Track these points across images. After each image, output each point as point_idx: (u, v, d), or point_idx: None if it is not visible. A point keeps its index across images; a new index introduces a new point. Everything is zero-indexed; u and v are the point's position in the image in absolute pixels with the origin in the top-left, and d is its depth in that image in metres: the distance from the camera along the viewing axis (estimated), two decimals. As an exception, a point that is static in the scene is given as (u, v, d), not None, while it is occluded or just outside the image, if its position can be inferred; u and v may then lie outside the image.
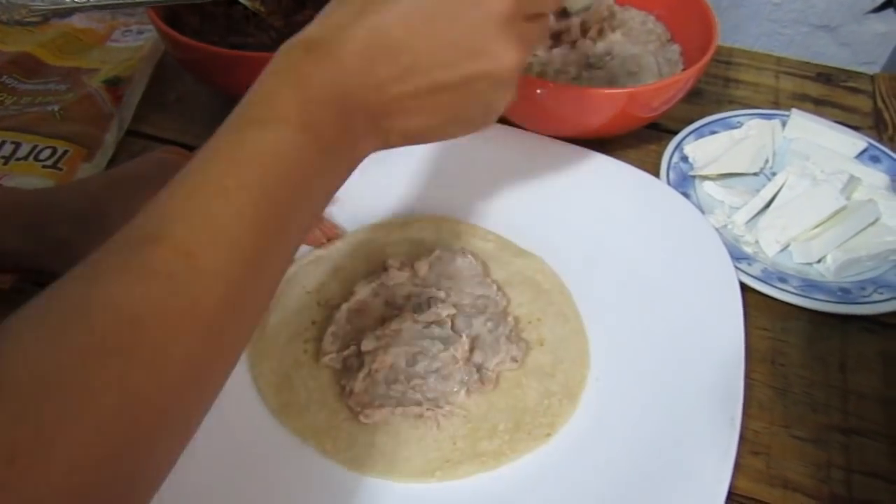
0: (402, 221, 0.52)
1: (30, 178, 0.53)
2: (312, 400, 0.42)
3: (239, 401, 0.41)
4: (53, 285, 0.26)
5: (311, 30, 0.32)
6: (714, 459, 0.39)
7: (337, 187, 0.33)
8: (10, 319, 0.25)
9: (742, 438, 0.41)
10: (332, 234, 0.50)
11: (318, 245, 0.49)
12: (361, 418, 0.40)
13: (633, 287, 0.48)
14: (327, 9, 0.33)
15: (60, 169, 0.55)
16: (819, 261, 0.50)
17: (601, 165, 0.55)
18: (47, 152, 0.55)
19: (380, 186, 0.53)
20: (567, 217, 0.52)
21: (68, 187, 0.51)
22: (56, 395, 0.23)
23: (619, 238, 0.50)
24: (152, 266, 0.26)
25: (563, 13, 0.61)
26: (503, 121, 0.59)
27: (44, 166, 0.54)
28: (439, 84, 0.32)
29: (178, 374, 0.26)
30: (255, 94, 0.31)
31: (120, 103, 0.60)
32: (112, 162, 0.57)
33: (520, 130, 0.57)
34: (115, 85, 0.61)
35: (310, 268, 0.48)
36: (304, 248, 0.50)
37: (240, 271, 0.27)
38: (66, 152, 0.56)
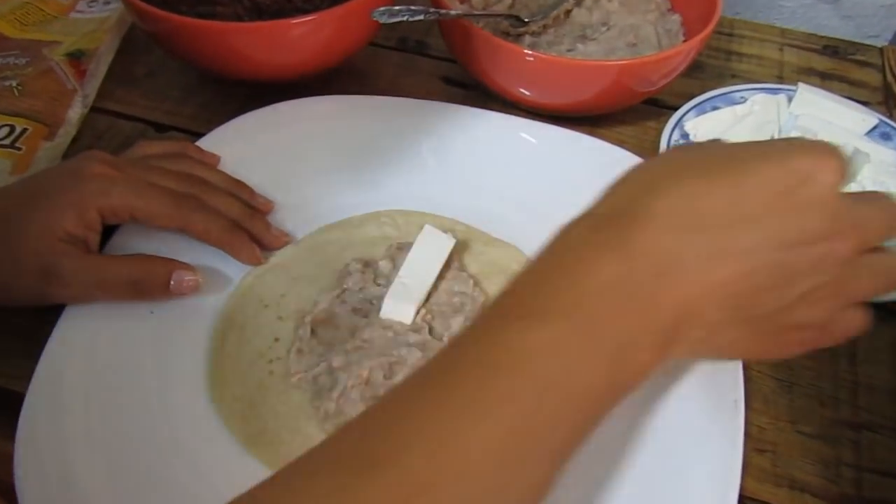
0: (360, 219, 0.47)
1: (-14, 159, 0.50)
2: (284, 427, 0.38)
3: (203, 435, 0.37)
4: None
5: (596, 208, 0.30)
6: (722, 447, 0.37)
7: (605, 411, 0.28)
8: None
9: (746, 435, 0.38)
10: (280, 242, 0.45)
11: (258, 263, 0.44)
12: None
13: None
14: (609, 189, 0.31)
15: (19, 149, 0.51)
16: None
17: (575, 144, 0.51)
18: (5, 130, 0.52)
19: (331, 183, 0.49)
20: (540, 201, 0.48)
21: None
22: None
23: None
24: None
25: None
26: (477, 95, 0.56)
27: (0, 146, 0.51)
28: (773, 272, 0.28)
29: None
30: (532, 273, 0.29)
31: (84, 78, 0.56)
32: (75, 141, 0.54)
33: (481, 110, 0.53)
34: (78, 59, 0.57)
35: (265, 279, 0.44)
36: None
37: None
38: (25, 130, 0.52)
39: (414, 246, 0.42)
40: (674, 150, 0.33)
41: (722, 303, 0.28)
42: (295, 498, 0.23)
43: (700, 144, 0.33)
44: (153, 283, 0.40)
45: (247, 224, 0.44)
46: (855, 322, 0.32)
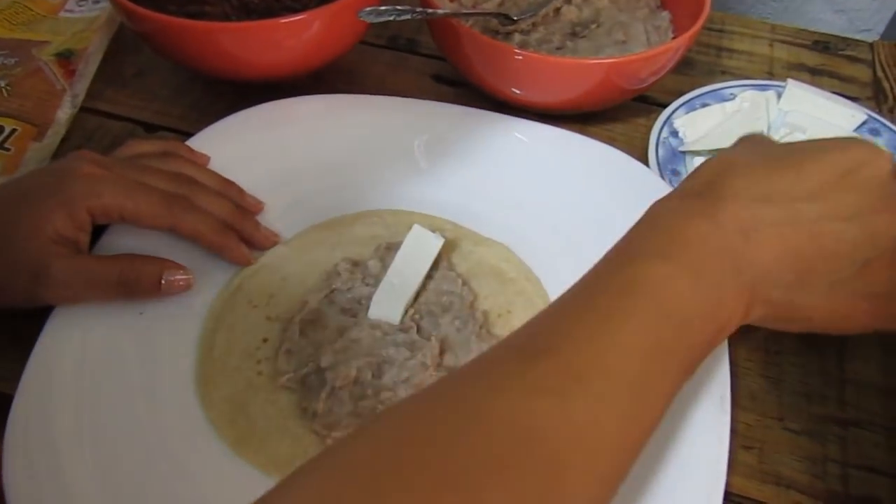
0: (350, 219, 0.47)
1: (-25, 160, 0.50)
2: (272, 427, 0.37)
3: (191, 436, 0.37)
4: (437, 385, 0.27)
5: (683, 186, 0.35)
6: (708, 444, 0.37)
7: (707, 351, 0.32)
8: (399, 406, 0.27)
9: (733, 432, 0.39)
10: (270, 242, 0.45)
11: (247, 264, 0.44)
12: (329, 442, 0.37)
13: None
14: (693, 172, 0.36)
15: (8, 149, 0.51)
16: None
17: (565, 142, 0.51)
18: (-6, 131, 0.52)
19: (321, 182, 0.49)
20: (530, 199, 0.48)
21: None
22: (449, 498, 0.23)
23: (585, 218, 0.47)
24: (546, 383, 0.26)
25: None
26: (467, 93, 0.56)
27: (-10, 147, 0.51)
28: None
29: (570, 493, 0.25)
30: (640, 229, 0.33)
31: (73, 78, 0.56)
32: (65, 141, 0.53)
33: (471, 109, 0.53)
34: (67, 58, 0.57)
35: (254, 279, 0.44)
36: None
37: (627, 402, 0.27)
38: (14, 131, 0.52)
39: (402, 246, 0.42)
40: (747, 141, 0.38)
41: (793, 265, 0.32)
42: (482, 374, 0.27)
43: (769, 140, 0.38)
44: (144, 283, 0.41)
45: (236, 224, 0.44)
46: None
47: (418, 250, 0.42)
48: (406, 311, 0.41)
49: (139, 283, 0.40)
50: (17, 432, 0.36)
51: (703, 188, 0.33)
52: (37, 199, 0.40)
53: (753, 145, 0.37)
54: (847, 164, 0.33)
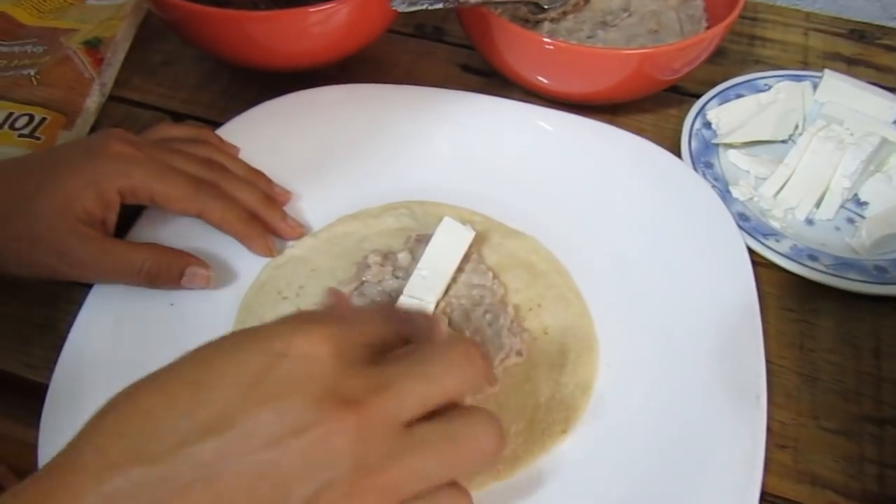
0: (378, 210, 0.47)
1: (6, 149, 0.50)
2: None
3: None
4: None
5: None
6: (743, 442, 0.36)
7: None
8: None
9: (768, 430, 0.38)
10: (295, 232, 0.45)
11: (270, 255, 0.44)
12: None
13: (635, 263, 0.44)
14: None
15: (38, 138, 0.51)
16: (853, 236, 0.47)
17: (594, 133, 0.50)
18: (24, 120, 0.52)
19: (348, 172, 0.49)
20: (559, 191, 0.48)
21: None
22: None
23: (616, 210, 0.47)
24: None
25: None
26: (495, 83, 0.56)
27: (20, 135, 0.51)
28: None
29: None
30: None
31: (101, 66, 0.56)
32: (93, 130, 0.54)
33: (499, 99, 0.52)
34: (95, 47, 0.57)
35: (283, 270, 0.43)
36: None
37: None
38: (43, 120, 0.52)
39: (433, 239, 0.42)
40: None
41: None
42: None
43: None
44: (166, 275, 0.41)
45: (263, 213, 0.44)
46: None
47: (449, 243, 0.42)
48: (437, 305, 0.41)
49: (162, 275, 0.41)
50: (51, 420, 0.36)
51: (58, 460, 0.24)
52: (67, 176, 0.39)
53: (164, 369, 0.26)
54: (259, 364, 0.24)
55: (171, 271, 0.41)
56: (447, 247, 0.42)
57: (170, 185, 0.40)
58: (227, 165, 0.45)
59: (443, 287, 0.41)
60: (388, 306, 0.37)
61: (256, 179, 0.46)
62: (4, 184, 0.39)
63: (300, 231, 0.45)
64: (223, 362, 0.25)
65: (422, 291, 0.40)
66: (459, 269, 0.42)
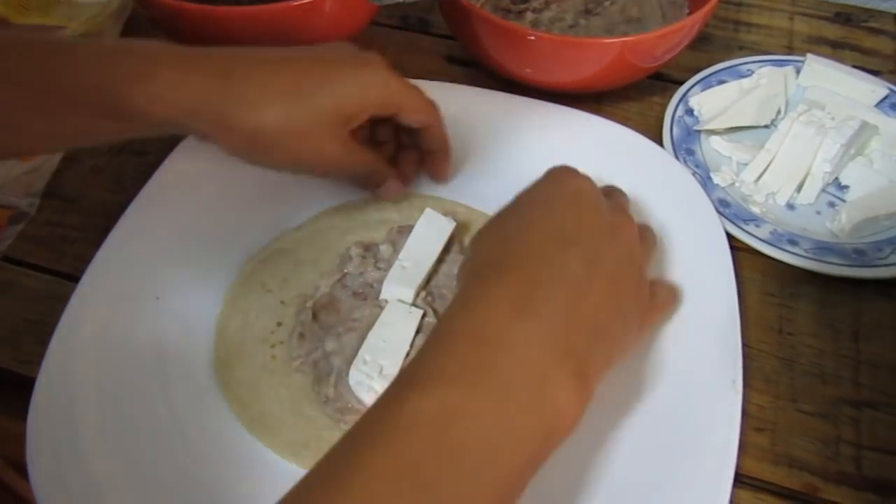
0: (361, 203, 0.47)
1: (-6, 147, 0.50)
2: (287, 410, 0.38)
3: (208, 419, 0.38)
4: None
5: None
6: (719, 426, 0.37)
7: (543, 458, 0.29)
8: None
9: (745, 414, 0.39)
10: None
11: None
12: (342, 426, 0.37)
13: None
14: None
15: (26, 136, 0.52)
16: (833, 220, 0.47)
17: (579, 122, 0.51)
18: (12, 118, 0.52)
19: None
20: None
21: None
22: None
23: None
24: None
25: None
26: (479, 73, 0.56)
27: (8, 134, 0.51)
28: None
29: None
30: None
31: (87, 64, 0.56)
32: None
33: (483, 90, 0.53)
34: (81, 44, 0.57)
35: (267, 264, 0.44)
36: (260, 243, 0.46)
37: None
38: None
39: (413, 230, 0.43)
40: (510, 207, 0.37)
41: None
42: None
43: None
44: (371, 181, 0.45)
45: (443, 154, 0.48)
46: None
47: (430, 234, 0.43)
48: (418, 294, 0.41)
49: (369, 180, 0.45)
50: (40, 414, 0.37)
51: (492, 268, 0.32)
52: (339, 80, 0.40)
53: (515, 207, 0.37)
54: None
55: (376, 179, 0.45)
56: (428, 238, 0.42)
57: (415, 100, 0.43)
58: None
59: (422, 277, 0.41)
60: None
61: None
62: (279, 73, 0.40)
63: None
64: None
65: (402, 282, 0.41)
66: (441, 260, 0.43)
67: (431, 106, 0.44)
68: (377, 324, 0.40)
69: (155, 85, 0.36)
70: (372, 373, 0.37)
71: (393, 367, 0.38)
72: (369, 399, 0.37)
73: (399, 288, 0.41)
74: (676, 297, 0.42)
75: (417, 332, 0.39)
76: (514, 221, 0.35)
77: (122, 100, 0.36)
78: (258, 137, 0.38)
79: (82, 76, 0.37)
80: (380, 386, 0.37)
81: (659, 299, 0.40)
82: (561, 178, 0.37)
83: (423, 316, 0.40)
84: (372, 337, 0.39)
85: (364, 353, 0.38)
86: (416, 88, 0.43)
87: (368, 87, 0.41)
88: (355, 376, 0.37)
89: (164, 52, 0.38)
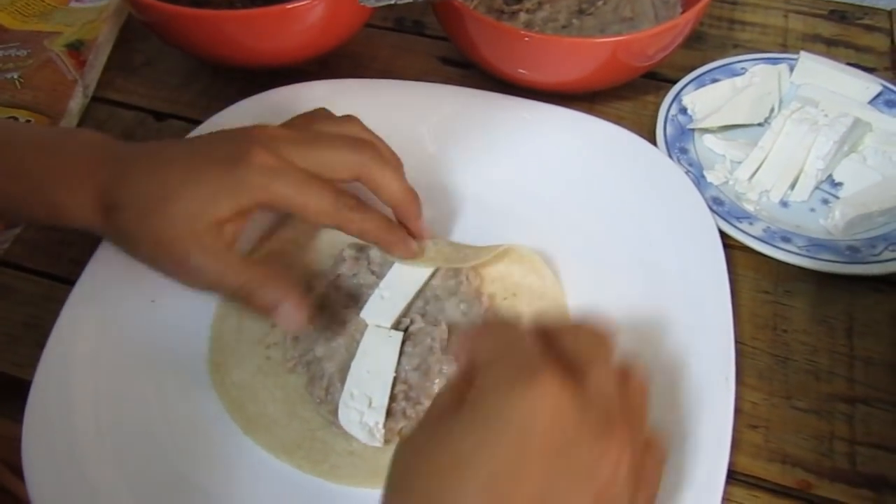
0: None
1: (-9, 152, 0.51)
2: (281, 411, 0.38)
3: (204, 420, 0.38)
4: None
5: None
6: (712, 424, 0.37)
7: None
8: None
9: (739, 411, 0.39)
10: (428, 234, 0.43)
11: (413, 257, 0.42)
12: (335, 428, 0.37)
13: (609, 251, 0.45)
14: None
15: (23, 141, 0.52)
16: (827, 217, 0.47)
17: (573, 123, 0.51)
18: (9, 123, 0.53)
19: None
20: (538, 181, 0.48)
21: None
22: None
23: (590, 198, 0.47)
24: None
25: None
26: (475, 75, 0.56)
27: (5, 139, 0.52)
28: None
29: None
30: None
31: (83, 68, 0.56)
32: (77, 131, 0.54)
33: (478, 91, 0.53)
34: (77, 49, 0.57)
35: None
36: (255, 245, 0.45)
37: None
38: (28, 122, 0.53)
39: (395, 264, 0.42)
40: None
41: None
42: None
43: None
44: (259, 304, 0.37)
45: (405, 210, 0.42)
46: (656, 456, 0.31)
47: (412, 271, 0.42)
48: (398, 322, 0.40)
49: (255, 301, 0.37)
50: (36, 417, 0.37)
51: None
52: (206, 182, 0.37)
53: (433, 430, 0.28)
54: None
55: (265, 302, 0.37)
56: (409, 272, 0.41)
57: (309, 199, 0.37)
58: (374, 143, 0.42)
59: (400, 310, 0.40)
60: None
61: (399, 164, 0.43)
62: (150, 175, 0.37)
63: (431, 233, 0.43)
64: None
65: (379, 314, 0.40)
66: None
67: (335, 207, 0.38)
68: (358, 353, 0.38)
69: (68, 196, 0.38)
70: (361, 407, 0.37)
71: (382, 399, 0.37)
72: (363, 435, 0.36)
73: (377, 318, 0.40)
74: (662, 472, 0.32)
75: (401, 353, 0.39)
76: (438, 451, 0.27)
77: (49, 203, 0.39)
78: (122, 243, 0.38)
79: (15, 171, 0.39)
80: (371, 420, 0.36)
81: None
82: (522, 393, 0.27)
83: (406, 329, 0.40)
84: (355, 368, 0.38)
85: (350, 386, 0.37)
86: (316, 188, 0.37)
87: (241, 192, 0.36)
88: (345, 415, 0.37)
89: (77, 158, 0.39)
